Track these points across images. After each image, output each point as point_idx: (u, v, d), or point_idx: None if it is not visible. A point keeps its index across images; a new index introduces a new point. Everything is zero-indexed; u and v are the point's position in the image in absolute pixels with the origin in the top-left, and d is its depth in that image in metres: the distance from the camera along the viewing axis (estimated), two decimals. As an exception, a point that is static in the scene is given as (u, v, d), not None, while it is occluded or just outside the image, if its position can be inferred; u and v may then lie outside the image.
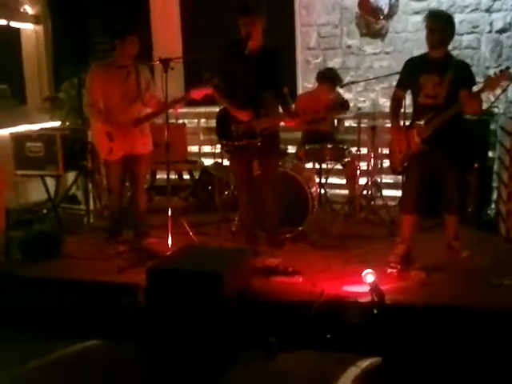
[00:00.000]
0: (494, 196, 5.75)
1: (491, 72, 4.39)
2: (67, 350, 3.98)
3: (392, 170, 4.72)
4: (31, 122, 6.76)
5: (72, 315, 4.26)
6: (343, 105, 4.75)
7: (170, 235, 4.63)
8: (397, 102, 4.61)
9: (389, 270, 4.30)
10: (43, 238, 5.00)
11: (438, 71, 4.28)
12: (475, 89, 4.21)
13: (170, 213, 4.67)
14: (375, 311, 3.75)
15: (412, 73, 4.43)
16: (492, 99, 5.31)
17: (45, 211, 6.21)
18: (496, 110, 5.88)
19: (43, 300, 4.37)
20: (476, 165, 5.51)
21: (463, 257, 4.50)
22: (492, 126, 5.79)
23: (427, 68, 4.33)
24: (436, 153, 4.33)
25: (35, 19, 7.60)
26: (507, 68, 4.09)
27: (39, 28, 7.65)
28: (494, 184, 5.78)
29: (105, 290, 4.31)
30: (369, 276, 3.92)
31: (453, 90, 4.24)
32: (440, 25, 4.28)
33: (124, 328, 4.05)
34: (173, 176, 6.14)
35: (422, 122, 4.33)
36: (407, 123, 4.61)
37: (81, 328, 4.19)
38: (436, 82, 4.28)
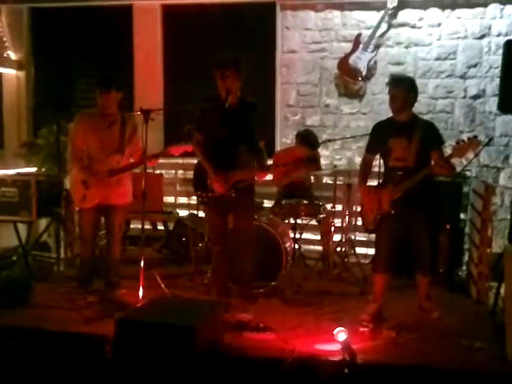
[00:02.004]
0: (466, 258, 5.81)
1: (464, 136, 4.52)
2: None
3: (364, 229, 4.77)
4: (7, 167, 6.71)
5: (38, 365, 4.14)
6: (311, 158, 4.79)
7: (141, 287, 4.56)
8: (366, 165, 4.70)
9: (361, 329, 4.29)
10: (12, 285, 4.92)
11: (405, 134, 4.38)
12: (445, 149, 4.33)
13: (142, 264, 4.62)
14: (346, 370, 3.71)
15: (381, 137, 4.53)
16: (465, 163, 5.44)
17: (15, 258, 6.10)
18: (468, 173, 6.00)
19: (9, 349, 4.25)
20: (448, 226, 5.57)
21: (434, 317, 4.52)
22: (464, 189, 5.90)
23: (395, 131, 4.43)
24: (407, 214, 4.39)
25: (18, 65, 7.67)
26: (474, 137, 4.22)
27: (21, 73, 7.71)
28: (466, 246, 5.85)
29: (72, 341, 4.20)
30: (341, 334, 3.89)
31: (421, 151, 4.34)
32: (401, 90, 4.40)
33: (90, 380, 3.94)
34: (147, 226, 6.11)
35: (393, 184, 4.40)
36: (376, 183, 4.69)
37: (46, 379, 4.06)
38: (405, 145, 4.38)
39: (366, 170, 4.68)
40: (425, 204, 4.40)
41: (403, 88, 4.41)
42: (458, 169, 6.05)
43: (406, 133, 4.37)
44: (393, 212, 4.39)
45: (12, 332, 4.35)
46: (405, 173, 4.35)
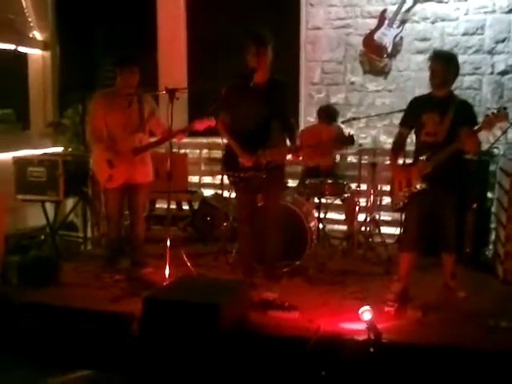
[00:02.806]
0: (492, 237, 5.75)
1: (484, 117, 4.44)
2: (58, 379, 3.94)
3: (392, 207, 4.74)
4: (34, 147, 6.78)
5: (66, 343, 4.22)
6: (348, 139, 4.78)
7: (167, 265, 4.61)
8: (400, 140, 4.65)
9: (386, 308, 4.27)
10: (40, 264, 4.99)
11: (439, 110, 4.34)
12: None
13: (168, 243, 4.66)
14: (371, 349, 3.72)
15: (416, 111, 4.49)
16: (492, 140, 5.35)
17: (43, 237, 6.20)
18: (496, 151, 5.91)
19: (38, 327, 4.33)
20: (474, 205, 5.52)
21: (460, 297, 4.50)
22: (491, 167, 5.82)
23: (430, 107, 4.40)
24: (435, 191, 4.35)
25: (43, 45, 7.70)
26: (504, 108, 4.14)
27: (47, 54, 7.74)
28: (492, 225, 5.78)
29: (99, 319, 4.27)
30: (366, 313, 3.89)
31: (453, 128, 4.29)
32: (442, 66, 4.35)
33: (117, 358, 4.01)
34: (172, 206, 6.15)
35: (422, 159, 4.36)
36: (408, 161, 4.64)
37: (74, 356, 4.14)
38: (437, 121, 4.34)
39: (398, 144, 4.63)
40: (453, 182, 4.36)
41: (444, 63, 4.35)
42: (486, 146, 6.00)
43: (441, 109, 4.33)
44: (422, 188, 4.35)
45: (41, 310, 4.42)
46: (434, 148, 4.31)
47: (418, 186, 4.38)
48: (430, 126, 4.37)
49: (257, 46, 4.53)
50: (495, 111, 4.16)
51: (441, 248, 4.55)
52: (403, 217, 4.97)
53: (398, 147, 4.64)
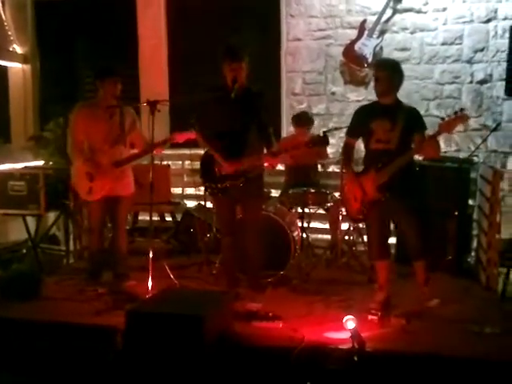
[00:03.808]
0: (474, 244, 5.79)
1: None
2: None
3: (350, 218, 4.73)
4: (15, 161, 6.74)
5: (49, 358, 4.17)
6: (322, 139, 4.78)
7: (150, 278, 4.59)
8: (348, 150, 4.66)
9: (369, 317, 4.28)
10: (22, 278, 4.93)
11: (389, 117, 4.35)
12: (430, 133, 4.30)
13: (150, 255, 4.64)
14: (356, 358, 3.72)
15: (363, 120, 4.50)
16: (472, 148, 5.41)
17: (24, 251, 6.15)
18: (476, 158, 5.97)
19: (20, 342, 4.28)
20: (456, 213, 5.55)
21: (431, 305, 4.47)
22: (472, 175, 5.87)
23: (378, 114, 4.40)
24: (391, 199, 4.36)
25: (23, 58, 7.68)
26: (461, 110, 4.17)
27: (27, 67, 7.72)
28: (474, 232, 5.83)
29: (82, 333, 4.23)
30: (350, 322, 3.89)
31: (404, 135, 4.31)
32: (385, 73, 4.37)
33: (101, 372, 3.97)
34: (155, 218, 6.12)
35: (375, 169, 4.36)
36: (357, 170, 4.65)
37: (57, 371, 4.09)
38: (387, 128, 4.35)
39: (347, 154, 4.64)
40: (408, 189, 4.35)
41: (386, 70, 4.38)
42: (465, 154, 6.07)
43: (390, 115, 4.34)
44: (382, 198, 4.36)
45: (22, 325, 4.37)
46: (388, 155, 4.31)
47: (374, 196, 4.37)
48: (379, 133, 4.37)
49: (230, 61, 4.59)
50: (452, 114, 4.17)
51: (409, 256, 4.53)
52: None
53: (348, 157, 4.64)
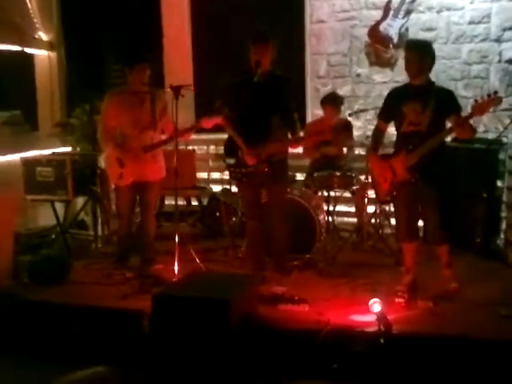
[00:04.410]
0: (503, 226, 5.71)
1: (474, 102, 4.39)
2: (72, 376, 3.96)
3: (379, 200, 4.70)
4: (42, 148, 6.82)
5: (77, 341, 4.25)
6: (346, 126, 4.74)
7: (176, 262, 4.63)
8: (378, 133, 4.62)
9: (396, 300, 4.26)
10: (51, 263, 5.02)
11: (420, 99, 4.29)
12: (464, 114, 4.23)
13: (177, 239, 4.67)
14: (382, 341, 3.71)
15: (395, 103, 4.45)
16: (501, 129, 5.32)
17: (53, 236, 6.23)
18: (505, 139, 5.86)
19: (49, 325, 4.36)
20: (484, 194, 5.48)
21: (450, 288, 4.42)
22: (501, 156, 5.77)
23: (410, 96, 4.35)
24: (419, 182, 4.32)
25: (49, 45, 7.72)
26: (495, 92, 4.10)
27: (53, 54, 7.76)
28: (503, 214, 5.75)
29: (110, 316, 4.30)
30: (376, 305, 3.88)
31: (436, 117, 4.25)
32: (415, 54, 4.31)
33: (128, 354, 4.03)
34: (181, 202, 6.16)
35: (406, 150, 4.32)
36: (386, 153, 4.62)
37: (85, 354, 4.16)
38: (419, 110, 4.29)
39: (377, 138, 4.60)
40: (437, 172, 4.30)
41: (417, 51, 4.32)
42: (493, 135, 5.96)
43: (421, 97, 4.28)
44: (412, 180, 4.32)
45: (53, 308, 4.45)
46: (418, 138, 4.26)
47: (404, 177, 4.34)
48: (411, 115, 4.31)
49: (255, 45, 4.59)
50: (485, 97, 4.09)
51: (433, 239, 4.49)
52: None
53: (377, 141, 4.61)
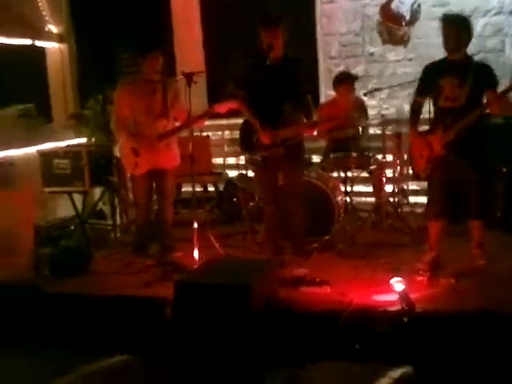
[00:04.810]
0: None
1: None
2: (96, 365, 3.98)
3: (415, 176, 4.67)
4: (57, 140, 6.84)
5: (100, 330, 4.27)
6: (360, 106, 4.63)
7: (196, 248, 4.63)
8: (416, 108, 4.56)
9: (418, 278, 4.24)
10: (71, 254, 5.05)
11: (457, 74, 4.24)
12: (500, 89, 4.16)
13: (195, 226, 4.68)
14: (405, 320, 3.69)
15: (432, 77, 4.39)
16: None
17: (72, 227, 6.27)
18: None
19: (72, 316, 4.39)
20: (504, 169, 5.41)
21: (477, 264, 4.39)
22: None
23: (447, 71, 4.30)
24: (457, 157, 4.28)
25: (60, 38, 7.72)
26: None
27: (64, 46, 7.76)
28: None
29: (132, 305, 4.31)
30: (398, 284, 3.87)
31: (473, 92, 4.20)
32: (454, 29, 4.26)
33: (151, 342, 4.04)
34: (198, 188, 6.16)
35: (443, 126, 4.27)
36: (426, 128, 4.56)
37: (109, 343, 4.19)
38: (456, 85, 4.24)
39: (415, 112, 4.55)
40: (475, 148, 4.26)
41: (455, 26, 4.26)
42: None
43: (459, 72, 4.23)
44: (445, 155, 4.27)
45: (75, 299, 4.47)
46: (455, 113, 4.21)
47: (441, 153, 4.30)
48: (448, 90, 4.26)
49: (266, 28, 4.55)
50: None
51: (467, 216, 4.46)
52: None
53: (416, 116, 4.55)
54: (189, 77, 4.64)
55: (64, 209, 6.53)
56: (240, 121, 4.93)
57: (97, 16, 7.76)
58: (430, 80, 4.40)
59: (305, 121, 4.77)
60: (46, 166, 6.01)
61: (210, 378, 3.59)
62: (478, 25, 6.45)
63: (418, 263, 4.42)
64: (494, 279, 4.19)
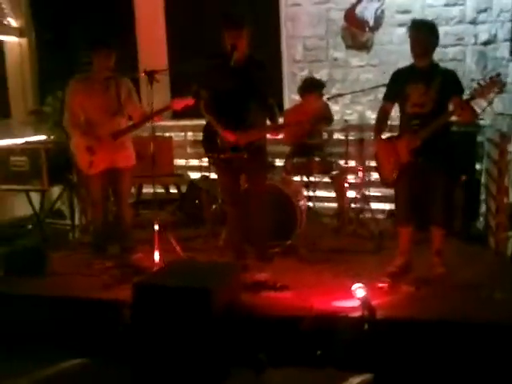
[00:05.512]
0: (483, 209, 5.74)
1: (475, 84, 4.38)
2: (51, 369, 3.89)
3: (382, 183, 4.69)
4: (15, 136, 6.67)
5: (57, 333, 4.18)
6: (327, 118, 4.68)
7: (156, 250, 4.57)
8: (383, 115, 4.58)
9: (379, 285, 4.26)
10: (28, 254, 4.93)
11: (424, 80, 4.28)
12: (465, 97, 4.21)
13: (156, 227, 4.61)
14: (366, 326, 3.71)
15: (399, 83, 4.43)
16: (479, 110, 5.31)
17: (30, 226, 6.12)
18: (482, 122, 5.88)
19: (27, 317, 4.28)
20: (463, 177, 5.50)
21: (436, 272, 4.43)
22: (479, 139, 5.80)
23: (414, 77, 4.33)
24: (424, 162, 4.32)
25: (19, 32, 7.55)
26: (498, 75, 4.09)
27: (23, 41, 7.60)
28: (482, 197, 5.77)
29: (90, 307, 4.24)
30: (359, 290, 3.88)
31: (440, 98, 4.24)
32: (422, 34, 4.29)
33: (110, 345, 3.98)
34: (160, 190, 6.09)
35: (410, 132, 4.30)
36: (392, 134, 4.59)
37: (66, 346, 4.10)
38: (422, 91, 4.27)
39: (382, 118, 4.57)
40: (441, 154, 4.31)
41: (424, 31, 4.30)
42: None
43: (425, 79, 4.26)
44: (415, 162, 4.30)
45: (31, 300, 4.37)
46: (422, 119, 4.25)
47: (407, 159, 4.33)
48: (415, 96, 4.30)
49: (229, 29, 4.49)
50: (487, 79, 4.08)
51: (430, 222, 4.50)
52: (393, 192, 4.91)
53: (382, 122, 4.57)
54: (150, 74, 4.58)
55: (22, 207, 6.37)
56: (203, 122, 4.88)
57: (58, 10, 7.64)
58: (397, 86, 4.43)
59: (269, 123, 4.74)
60: (2, 162, 5.85)
61: (170, 382, 3.54)
62: (439, 33, 6.53)
63: (389, 267, 4.46)
64: (454, 287, 4.23)
